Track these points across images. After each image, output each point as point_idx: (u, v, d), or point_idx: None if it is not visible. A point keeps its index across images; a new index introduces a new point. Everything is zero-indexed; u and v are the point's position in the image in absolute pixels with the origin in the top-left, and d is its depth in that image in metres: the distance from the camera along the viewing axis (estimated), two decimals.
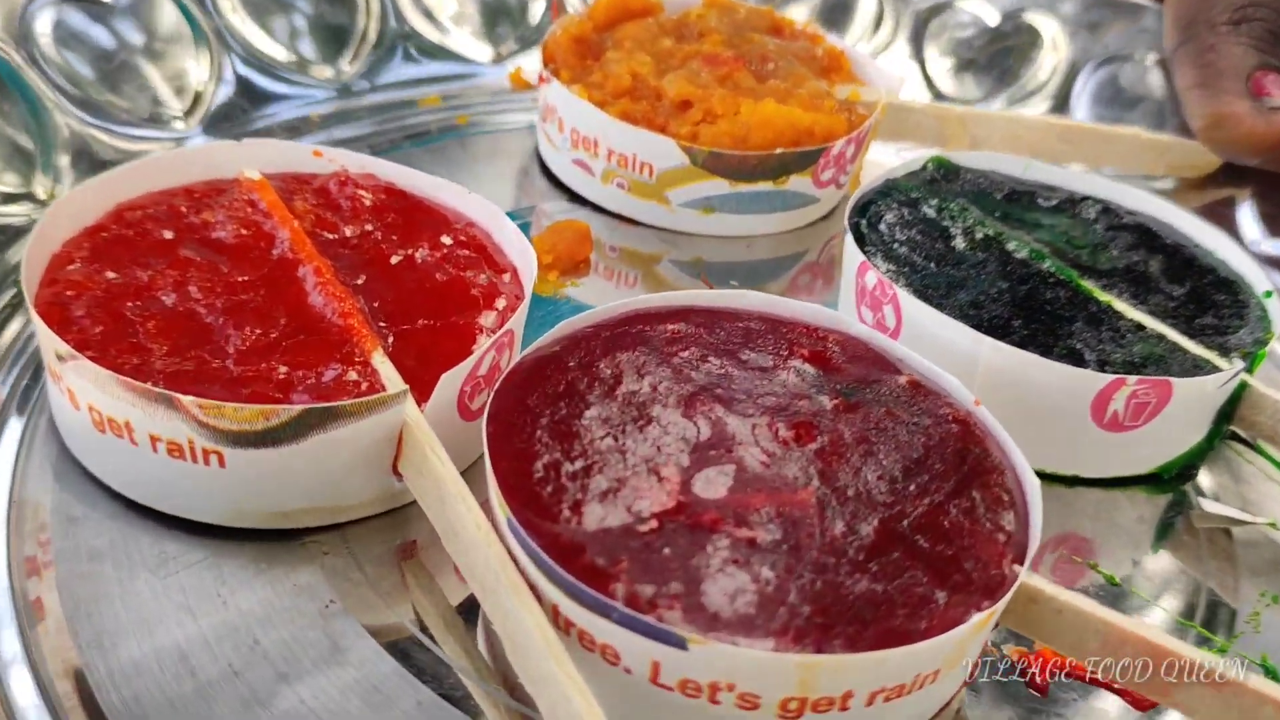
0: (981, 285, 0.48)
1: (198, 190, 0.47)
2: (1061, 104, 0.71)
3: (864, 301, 0.49)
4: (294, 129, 0.60)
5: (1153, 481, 0.47)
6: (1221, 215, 0.64)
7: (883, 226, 0.51)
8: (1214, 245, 0.53)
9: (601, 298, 0.55)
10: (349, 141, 0.61)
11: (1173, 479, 0.47)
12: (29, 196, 0.52)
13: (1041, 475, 0.46)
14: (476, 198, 0.48)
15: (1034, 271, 0.49)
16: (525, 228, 0.58)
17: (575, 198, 0.60)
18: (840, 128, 0.57)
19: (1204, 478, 0.48)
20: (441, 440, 0.38)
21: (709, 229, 0.58)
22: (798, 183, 0.58)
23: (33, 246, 0.41)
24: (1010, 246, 0.50)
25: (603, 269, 0.57)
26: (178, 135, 0.58)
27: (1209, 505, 0.46)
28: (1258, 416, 0.46)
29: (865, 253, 0.49)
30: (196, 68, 0.61)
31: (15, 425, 0.42)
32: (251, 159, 0.49)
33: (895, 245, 0.50)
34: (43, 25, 0.56)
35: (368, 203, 0.48)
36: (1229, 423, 0.47)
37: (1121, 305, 0.48)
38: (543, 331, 0.41)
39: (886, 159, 0.66)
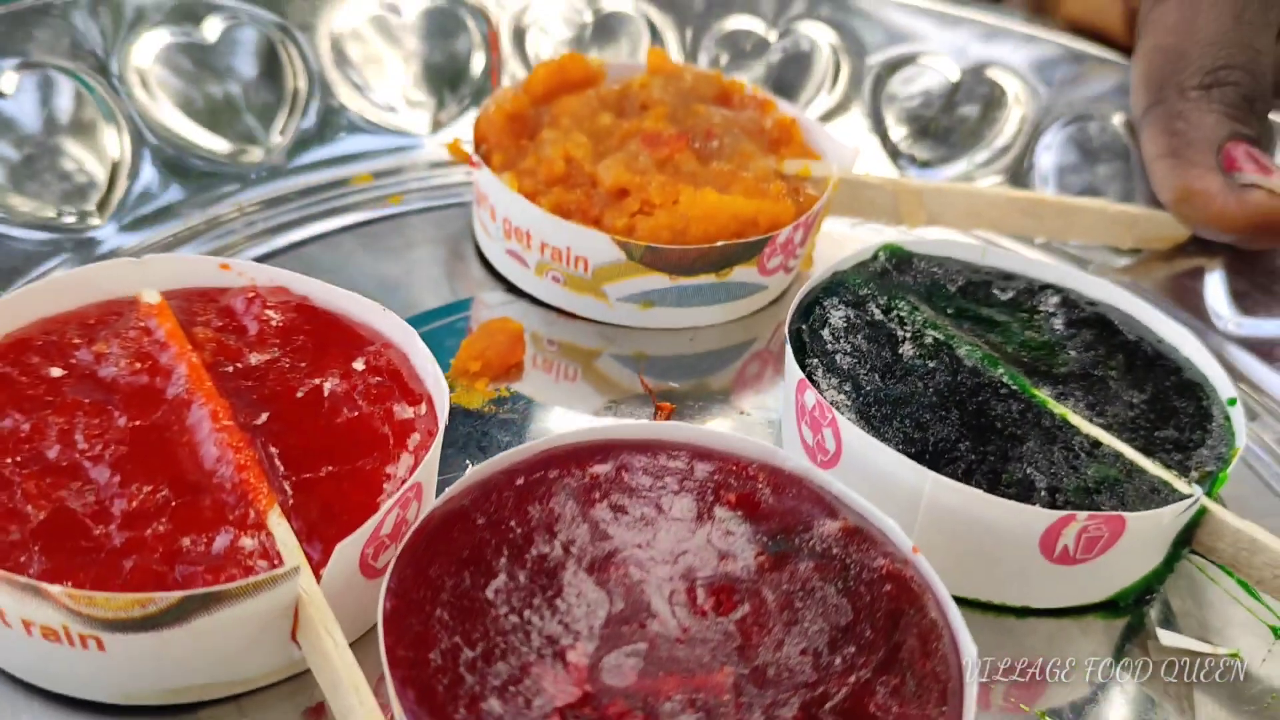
0: (928, 401, 0.45)
1: (92, 316, 0.44)
2: (1025, 164, 0.68)
3: (804, 420, 0.46)
4: (214, 220, 0.57)
5: (1109, 608, 0.45)
6: (1188, 289, 0.61)
7: (826, 333, 0.48)
8: (1178, 342, 0.51)
9: (540, 393, 0.52)
10: (273, 230, 0.58)
11: (1130, 605, 0.45)
12: None
13: (991, 606, 0.44)
14: (392, 317, 0.45)
15: (985, 382, 0.46)
16: (463, 323, 0.56)
17: (514, 288, 0.57)
18: (786, 215, 0.54)
19: (1163, 600, 0.46)
20: (343, 603, 0.36)
21: (650, 323, 0.55)
22: (742, 273, 0.55)
23: None
24: (961, 353, 0.48)
25: (541, 362, 0.54)
26: (83, 234, 0.55)
27: (1167, 638, 0.43)
28: (1216, 543, 0.44)
29: (805, 367, 0.46)
30: (105, 157, 0.57)
31: None
32: (152, 277, 0.46)
33: (838, 356, 0.47)
34: None
35: (276, 324, 0.45)
36: (1187, 547, 0.45)
37: (1077, 419, 0.46)
38: (465, 452, 0.38)
39: (842, 230, 0.63)
